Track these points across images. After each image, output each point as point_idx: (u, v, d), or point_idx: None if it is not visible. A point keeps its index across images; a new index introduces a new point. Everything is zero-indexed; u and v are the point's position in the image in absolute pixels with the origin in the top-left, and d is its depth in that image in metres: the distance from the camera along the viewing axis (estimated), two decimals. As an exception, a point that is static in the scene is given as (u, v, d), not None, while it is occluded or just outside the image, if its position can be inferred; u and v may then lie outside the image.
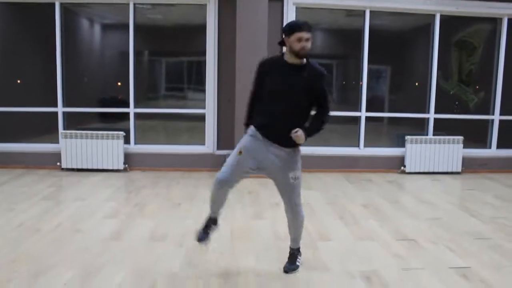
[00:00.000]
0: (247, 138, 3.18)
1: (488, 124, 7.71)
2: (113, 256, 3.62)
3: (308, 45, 2.95)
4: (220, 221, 3.41)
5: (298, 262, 3.47)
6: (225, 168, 3.15)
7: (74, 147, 6.74)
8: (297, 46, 2.95)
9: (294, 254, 3.48)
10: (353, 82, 7.58)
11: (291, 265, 3.43)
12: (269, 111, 3.10)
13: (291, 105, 3.05)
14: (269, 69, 3.12)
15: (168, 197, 5.47)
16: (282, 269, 3.40)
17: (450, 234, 4.35)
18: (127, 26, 6.98)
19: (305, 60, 3.06)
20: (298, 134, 2.99)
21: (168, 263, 3.50)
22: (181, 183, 6.19)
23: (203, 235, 3.32)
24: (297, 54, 2.98)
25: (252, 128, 3.18)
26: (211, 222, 3.35)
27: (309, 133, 3.08)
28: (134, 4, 6.91)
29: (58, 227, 4.30)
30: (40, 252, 3.68)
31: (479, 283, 3.26)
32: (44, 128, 7.38)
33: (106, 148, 6.75)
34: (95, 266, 3.41)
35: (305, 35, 2.93)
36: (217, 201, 3.25)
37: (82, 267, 3.38)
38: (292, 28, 2.98)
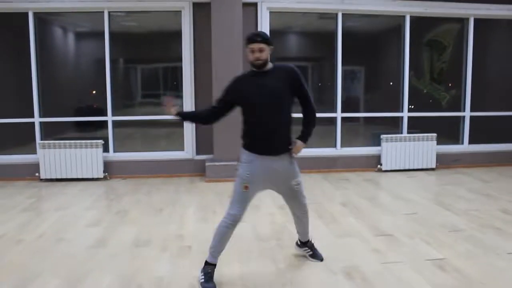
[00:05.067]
0: (244, 168, 3.17)
1: (460, 120, 7.95)
2: (98, 263, 3.65)
3: (262, 55, 3.03)
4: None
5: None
6: (236, 205, 3.16)
7: (52, 157, 6.71)
8: (250, 57, 3.06)
9: (311, 242, 3.71)
10: (328, 84, 7.72)
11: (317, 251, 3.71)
12: (256, 125, 3.13)
13: (272, 112, 3.08)
14: (241, 85, 3.17)
15: (150, 203, 5.50)
16: (265, 268, 3.47)
17: (426, 228, 4.50)
18: (101, 34, 7.00)
19: (270, 65, 3.14)
20: (296, 146, 3.21)
21: (153, 268, 3.55)
22: (162, 189, 6.23)
23: (213, 283, 3.19)
24: (252, 65, 3.08)
25: (245, 154, 3.18)
26: (213, 270, 3.26)
27: (305, 139, 3.26)
28: (109, 12, 6.94)
29: (40, 237, 4.30)
30: (24, 262, 3.69)
31: (455, 273, 3.40)
32: (19, 139, 7.30)
33: (85, 157, 6.74)
34: (81, 274, 3.43)
35: (256, 46, 3.01)
36: (226, 240, 3.23)
37: (68, 275, 3.41)
38: (246, 40, 3.06)
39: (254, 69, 3.12)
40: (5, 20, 7.02)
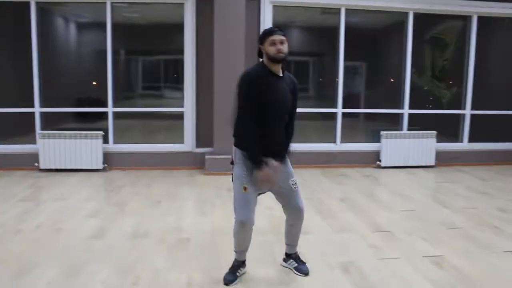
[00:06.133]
0: (241, 167, 3.03)
1: (460, 118, 7.95)
2: (96, 254, 3.66)
3: (284, 48, 2.92)
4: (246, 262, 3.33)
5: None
6: (240, 210, 3.01)
7: (52, 147, 6.71)
8: (272, 50, 2.91)
9: (296, 254, 3.45)
10: (329, 79, 7.71)
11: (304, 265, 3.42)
12: (263, 127, 2.97)
13: (283, 116, 3.11)
14: (262, 83, 2.94)
15: (148, 195, 5.51)
16: (263, 262, 3.48)
17: (424, 225, 4.51)
18: (102, 25, 6.97)
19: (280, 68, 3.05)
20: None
21: (151, 259, 3.56)
22: (161, 181, 6.23)
23: (232, 276, 3.19)
24: (274, 59, 2.93)
25: (239, 153, 3.05)
26: (240, 265, 3.26)
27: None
28: (111, 2, 6.91)
29: (39, 227, 4.31)
30: (22, 252, 3.70)
31: (452, 270, 3.42)
32: (18, 129, 7.29)
33: (85, 148, 6.73)
34: (79, 264, 3.44)
35: (278, 37, 2.90)
36: (246, 241, 3.17)
37: (65, 265, 3.42)
38: (265, 34, 2.97)
39: (269, 66, 2.98)
40: (6, 10, 6.99)
